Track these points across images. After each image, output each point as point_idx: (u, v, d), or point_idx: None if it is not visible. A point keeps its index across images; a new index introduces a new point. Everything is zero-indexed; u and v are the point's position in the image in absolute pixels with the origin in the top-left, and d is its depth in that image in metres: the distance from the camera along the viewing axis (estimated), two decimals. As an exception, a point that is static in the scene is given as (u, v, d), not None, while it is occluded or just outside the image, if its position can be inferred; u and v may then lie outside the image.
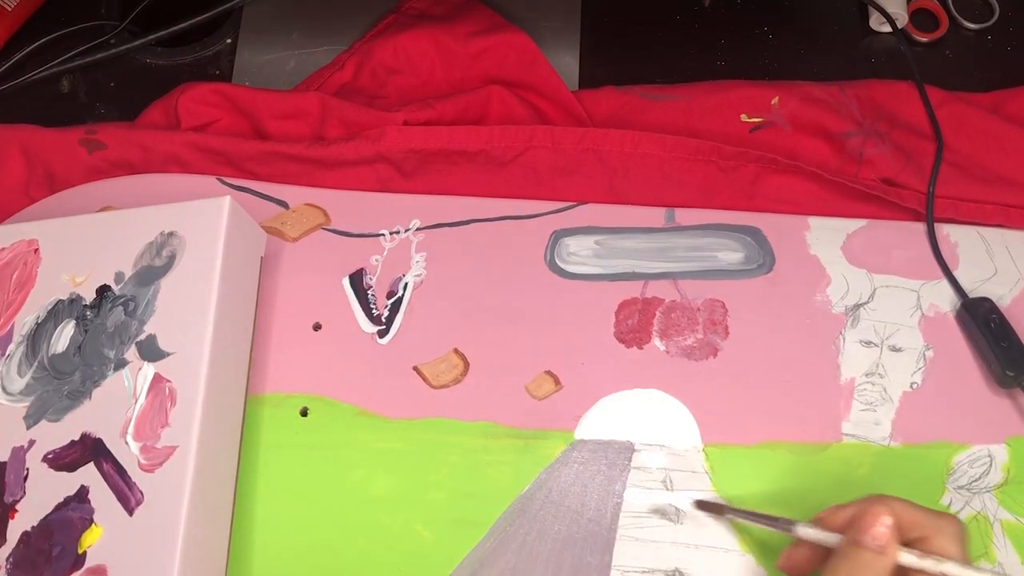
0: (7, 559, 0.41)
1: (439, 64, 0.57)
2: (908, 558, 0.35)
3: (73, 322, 0.46)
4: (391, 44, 0.57)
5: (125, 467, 0.42)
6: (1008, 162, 0.52)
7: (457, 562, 0.44)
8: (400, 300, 0.50)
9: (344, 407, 0.48)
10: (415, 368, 0.49)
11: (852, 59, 0.58)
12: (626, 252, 0.51)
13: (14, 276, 0.48)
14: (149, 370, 0.43)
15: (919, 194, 0.51)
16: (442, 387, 0.48)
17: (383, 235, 0.52)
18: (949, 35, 0.58)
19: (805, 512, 0.40)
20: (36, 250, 0.48)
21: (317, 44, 0.61)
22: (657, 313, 0.49)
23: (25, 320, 0.47)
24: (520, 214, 0.52)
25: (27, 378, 0.45)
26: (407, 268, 0.51)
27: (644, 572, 0.43)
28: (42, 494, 0.42)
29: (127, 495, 0.41)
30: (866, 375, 0.47)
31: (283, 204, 0.53)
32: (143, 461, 0.42)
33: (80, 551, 0.41)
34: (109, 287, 0.46)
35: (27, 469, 0.43)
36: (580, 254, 0.51)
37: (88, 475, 0.42)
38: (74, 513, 0.41)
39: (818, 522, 0.39)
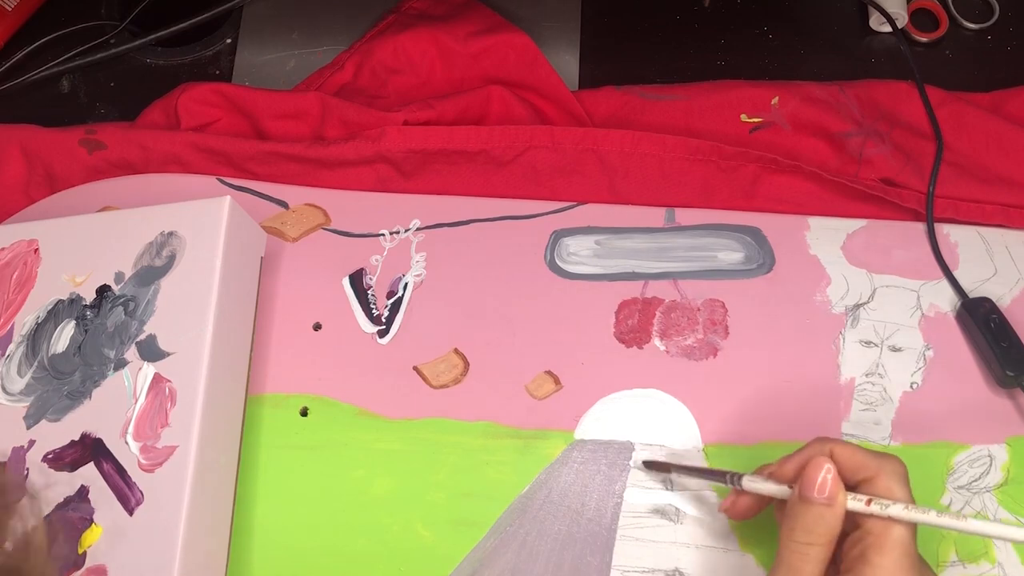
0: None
1: (439, 64, 0.57)
2: (856, 504, 0.35)
3: (73, 322, 0.46)
4: (391, 44, 0.57)
5: (125, 467, 0.42)
6: (1008, 162, 0.52)
7: (457, 562, 0.44)
8: (400, 300, 0.50)
9: (344, 407, 0.48)
10: (415, 368, 0.49)
11: (852, 59, 0.58)
12: (626, 252, 0.51)
13: (14, 276, 0.48)
14: (149, 370, 0.43)
15: (919, 194, 0.51)
16: (442, 387, 0.48)
17: (383, 235, 0.52)
18: (949, 35, 0.58)
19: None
20: (36, 250, 0.48)
21: (317, 44, 0.60)
22: (657, 313, 0.49)
23: (25, 320, 0.47)
24: (520, 214, 0.52)
25: (27, 378, 0.45)
26: (407, 268, 0.51)
27: (644, 572, 0.43)
28: (42, 494, 0.42)
29: (127, 495, 0.41)
30: (866, 375, 0.47)
31: (283, 204, 0.53)
32: (143, 461, 0.42)
33: (80, 551, 0.41)
34: (109, 287, 0.46)
35: (27, 469, 0.43)
36: (580, 254, 0.51)
37: (88, 475, 0.42)
38: (74, 513, 0.41)
39: (765, 473, 0.39)
